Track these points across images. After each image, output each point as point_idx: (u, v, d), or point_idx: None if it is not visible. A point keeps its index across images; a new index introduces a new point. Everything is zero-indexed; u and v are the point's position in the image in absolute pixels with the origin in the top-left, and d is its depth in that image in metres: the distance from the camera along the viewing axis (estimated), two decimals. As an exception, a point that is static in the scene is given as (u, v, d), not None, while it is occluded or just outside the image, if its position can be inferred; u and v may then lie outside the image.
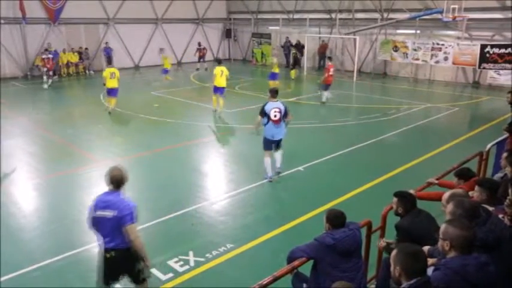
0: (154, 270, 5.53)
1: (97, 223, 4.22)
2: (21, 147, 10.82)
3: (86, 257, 5.90)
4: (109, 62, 22.74)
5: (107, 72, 14.24)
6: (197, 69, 24.75)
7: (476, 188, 4.30)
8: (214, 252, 5.92)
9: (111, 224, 4.12)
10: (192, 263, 5.69)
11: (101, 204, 4.19)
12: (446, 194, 4.05)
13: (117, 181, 4.21)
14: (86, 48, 24.00)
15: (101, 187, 8.30)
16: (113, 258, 4.21)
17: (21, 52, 22.27)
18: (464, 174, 5.20)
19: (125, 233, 4.12)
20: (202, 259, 5.76)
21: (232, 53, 31.73)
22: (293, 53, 24.37)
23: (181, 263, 5.68)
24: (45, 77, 20.07)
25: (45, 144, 11.33)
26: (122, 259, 4.22)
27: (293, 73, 22.51)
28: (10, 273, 5.44)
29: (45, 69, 20.17)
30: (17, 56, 22.22)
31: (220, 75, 13.89)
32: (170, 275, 5.45)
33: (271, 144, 8.46)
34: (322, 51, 25.22)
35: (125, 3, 25.02)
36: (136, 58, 26.67)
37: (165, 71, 21.34)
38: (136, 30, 26.09)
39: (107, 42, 24.64)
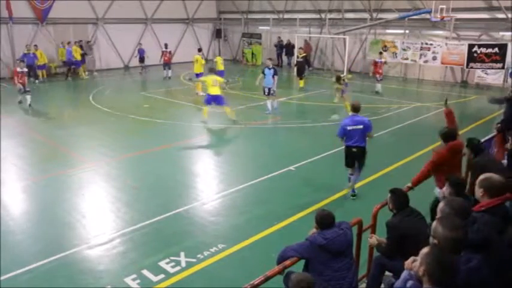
0: (145, 272, 5.52)
1: (349, 132, 7.35)
2: (9, 149, 10.66)
3: (75, 259, 5.84)
4: (141, 61, 23.46)
5: (208, 79, 12.93)
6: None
7: (446, 184, 4.44)
8: (205, 253, 5.90)
9: (360, 133, 7.35)
10: (183, 264, 5.67)
11: (352, 122, 7.35)
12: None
13: (358, 109, 7.49)
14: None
15: (91, 188, 8.31)
16: (356, 152, 7.44)
17: (8, 53, 21.91)
18: (446, 135, 6.03)
19: (366, 137, 7.46)
20: (193, 260, 5.74)
21: (223, 53, 31.59)
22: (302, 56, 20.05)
23: (173, 264, 5.65)
24: (20, 97, 15.60)
25: (33, 146, 11.18)
26: (360, 153, 7.47)
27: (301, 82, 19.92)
28: (-2, 276, 5.36)
29: (19, 86, 15.23)
30: (4, 57, 21.87)
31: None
32: (161, 276, 5.42)
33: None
34: (308, 51, 25.13)
35: (114, 3, 24.80)
36: (125, 58, 26.47)
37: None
38: (126, 30, 25.84)
39: (140, 43, 24.61)
